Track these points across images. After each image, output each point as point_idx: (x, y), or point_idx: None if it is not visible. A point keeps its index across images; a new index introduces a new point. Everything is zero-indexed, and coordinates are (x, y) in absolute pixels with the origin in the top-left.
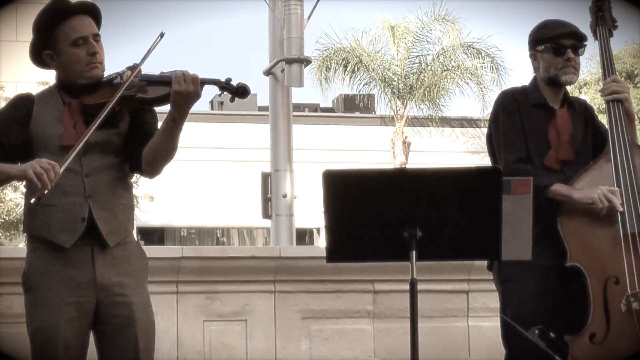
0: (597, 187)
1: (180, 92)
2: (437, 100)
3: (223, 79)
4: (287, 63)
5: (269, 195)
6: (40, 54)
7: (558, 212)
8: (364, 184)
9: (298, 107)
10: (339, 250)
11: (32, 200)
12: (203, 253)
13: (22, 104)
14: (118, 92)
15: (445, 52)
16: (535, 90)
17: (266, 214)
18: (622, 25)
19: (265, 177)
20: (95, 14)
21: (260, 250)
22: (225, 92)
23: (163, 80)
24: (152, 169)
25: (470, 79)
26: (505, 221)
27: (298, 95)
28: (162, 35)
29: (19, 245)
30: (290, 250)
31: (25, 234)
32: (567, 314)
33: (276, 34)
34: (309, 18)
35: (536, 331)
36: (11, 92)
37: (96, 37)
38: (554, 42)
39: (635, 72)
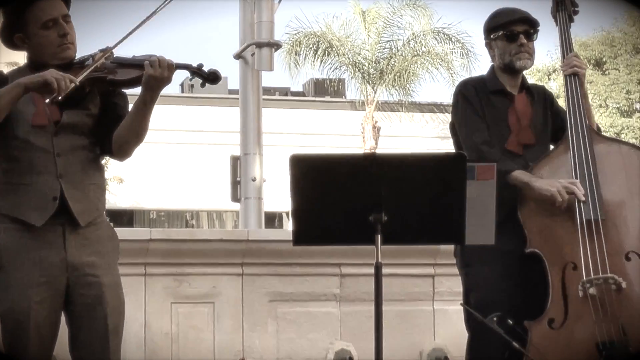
0: (557, 179)
1: (155, 76)
2: (407, 86)
3: (195, 65)
4: (258, 47)
5: (238, 179)
6: (12, 37)
7: (519, 199)
8: (331, 168)
9: (269, 90)
10: (305, 234)
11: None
12: (171, 235)
13: None
14: (87, 70)
15: (415, 37)
16: (493, 78)
17: (235, 197)
18: (591, 13)
19: (235, 161)
20: None
21: (228, 233)
22: (196, 77)
23: (134, 63)
24: (122, 152)
25: (440, 64)
26: (469, 206)
27: (269, 79)
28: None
29: None
30: (258, 233)
31: None
32: (530, 298)
33: (247, 18)
34: (279, 2)
35: (494, 318)
36: None
37: (66, 18)
38: (506, 29)
39: (604, 60)
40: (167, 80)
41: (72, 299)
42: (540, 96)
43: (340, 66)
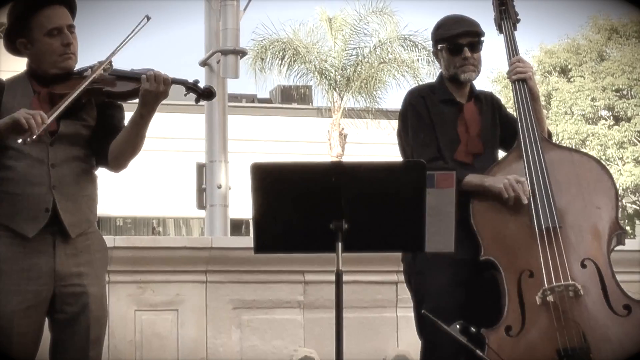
0: (505, 176)
1: (150, 91)
2: (374, 92)
3: (191, 80)
4: (223, 54)
5: (203, 186)
6: (15, 42)
7: (471, 206)
8: (292, 176)
9: (235, 97)
10: (266, 242)
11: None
12: (135, 243)
13: None
14: (85, 82)
15: (382, 44)
16: (442, 87)
17: (201, 205)
18: (557, 21)
19: (200, 168)
20: (70, 5)
21: (191, 240)
22: (190, 93)
23: (132, 77)
24: (118, 164)
25: (406, 71)
26: (429, 214)
27: (236, 86)
28: (147, 18)
29: None
30: (222, 240)
31: None
32: (482, 306)
33: (212, 25)
34: (245, 9)
35: (457, 326)
36: None
37: (71, 28)
38: (449, 43)
39: (569, 67)
40: (163, 94)
41: (57, 307)
42: (488, 103)
43: (307, 73)
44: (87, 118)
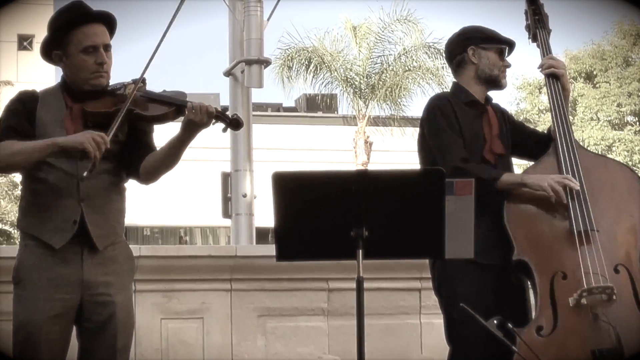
0: (549, 175)
1: (195, 121)
2: (399, 100)
3: (219, 108)
4: (247, 64)
5: (229, 195)
6: (51, 53)
7: (505, 207)
8: (312, 185)
9: (261, 106)
10: (288, 249)
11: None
12: (160, 252)
13: (27, 101)
14: (125, 105)
15: (406, 52)
16: (462, 90)
17: (226, 214)
18: (581, 27)
19: (225, 177)
20: (110, 24)
21: (216, 249)
22: (219, 122)
23: (164, 100)
24: (149, 178)
25: (431, 79)
26: (448, 221)
27: (261, 95)
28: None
29: None
30: (247, 249)
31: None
32: (508, 310)
33: (236, 35)
34: (268, 19)
35: (495, 321)
36: None
37: (107, 47)
38: (500, 44)
39: (595, 73)
40: (206, 125)
41: (85, 315)
42: (497, 110)
43: (332, 81)
44: (118, 134)
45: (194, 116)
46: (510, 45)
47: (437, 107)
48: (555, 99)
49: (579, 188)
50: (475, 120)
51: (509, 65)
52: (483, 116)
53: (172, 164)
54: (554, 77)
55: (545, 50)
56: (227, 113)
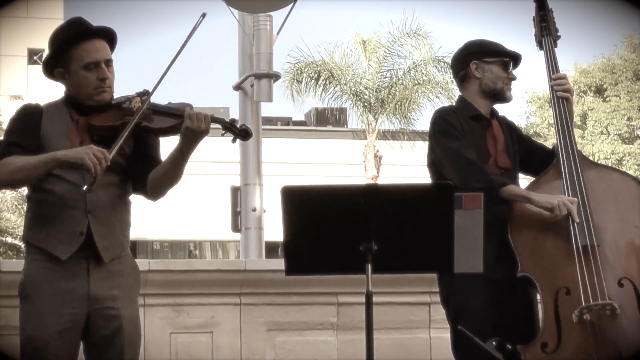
0: (558, 195)
1: (192, 129)
2: (409, 114)
3: (228, 119)
4: (256, 78)
5: (238, 209)
6: (53, 70)
7: (509, 222)
8: (321, 199)
9: (270, 120)
10: (297, 263)
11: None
12: (169, 266)
13: (31, 114)
14: (133, 120)
15: (416, 66)
16: (467, 104)
17: (236, 228)
18: (591, 40)
19: (235, 191)
20: (111, 39)
21: (226, 263)
22: (228, 133)
23: (170, 112)
24: (156, 193)
25: (441, 92)
26: (457, 235)
27: (271, 109)
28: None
29: None
30: (256, 263)
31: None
32: (516, 323)
33: (245, 49)
34: (278, 33)
35: (493, 343)
36: None
37: (108, 62)
38: (504, 57)
39: (605, 87)
40: (204, 132)
41: (91, 329)
42: (504, 124)
43: (342, 95)
44: (124, 147)
45: (192, 124)
46: (515, 57)
47: (443, 117)
48: (561, 120)
49: (577, 220)
50: (480, 134)
51: (514, 78)
52: (488, 130)
53: (175, 177)
54: (565, 99)
55: (551, 65)
56: (236, 124)
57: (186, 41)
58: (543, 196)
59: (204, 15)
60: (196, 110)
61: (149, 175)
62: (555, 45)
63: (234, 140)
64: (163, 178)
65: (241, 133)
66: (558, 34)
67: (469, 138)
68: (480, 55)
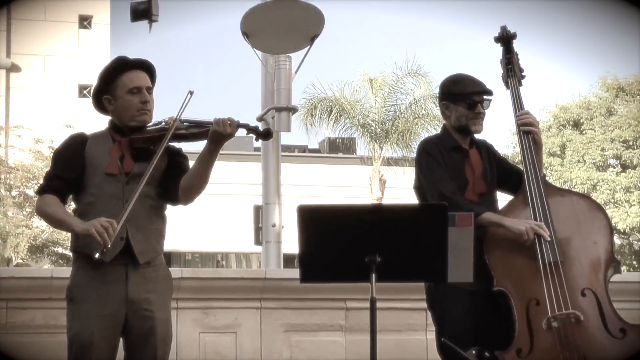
0: (526, 220)
1: (219, 132)
2: (410, 144)
3: (251, 124)
4: (277, 111)
5: (260, 225)
6: (101, 98)
7: (484, 244)
8: (332, 217)
9: (289, 148)
10: (310, 272)
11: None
12: (199, 274)
13: (78, 140)
14: (168, 133)
15: (416, 101)
16: (448, 136)
17: (257, 241)
18: (570, 81)
19: (257, 209)
20: (150, 72)
21: (248, 272)
22: (251, 134)
23: (201, 124)
24: (186, 197)
25: (438, 125)
26: (450, 249)
27: (289, 138)
28: (191, 93)
29: (44, 267)
30: (275, 272)
31: (71, 253)
32: (496, 330)
33: (267, 86)
34: (296, 72)
35: (473, 351)
36: None
37: (149, 90)
38: (468, 99)
39: (581, 121)
40: (229, 135)
41: (129, 328)
42: (485, 150)
43: (351, 127)
44: (160, 162)
45: (218, 127)
46: (484, 93)
47: (425, 151)
48: (527, 152)
49: (549, 239)
50: (459, 163)
51: (480, 113)
52: (466, 160)
53: (204, 179)
54: (529, 133)
55: (517, 102)
56: (259, 127)
57: (178, 115)
58: (514, 221)
59: (191, 92)
60: (224, 119)
61: (180, 182)
62: (520, 85)
63: (257, 139)
64: (192, 180)
65: (263, 133)
66: (523, 74)
67: (450, 166)
68: (447, 97)
